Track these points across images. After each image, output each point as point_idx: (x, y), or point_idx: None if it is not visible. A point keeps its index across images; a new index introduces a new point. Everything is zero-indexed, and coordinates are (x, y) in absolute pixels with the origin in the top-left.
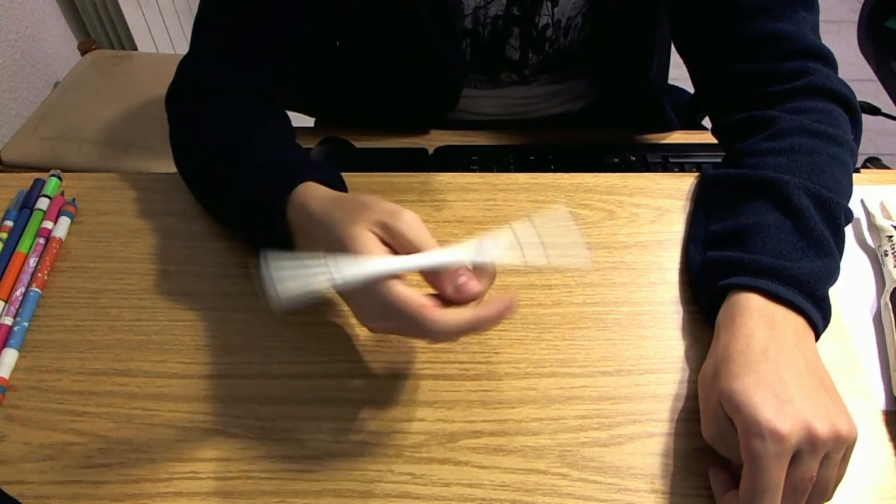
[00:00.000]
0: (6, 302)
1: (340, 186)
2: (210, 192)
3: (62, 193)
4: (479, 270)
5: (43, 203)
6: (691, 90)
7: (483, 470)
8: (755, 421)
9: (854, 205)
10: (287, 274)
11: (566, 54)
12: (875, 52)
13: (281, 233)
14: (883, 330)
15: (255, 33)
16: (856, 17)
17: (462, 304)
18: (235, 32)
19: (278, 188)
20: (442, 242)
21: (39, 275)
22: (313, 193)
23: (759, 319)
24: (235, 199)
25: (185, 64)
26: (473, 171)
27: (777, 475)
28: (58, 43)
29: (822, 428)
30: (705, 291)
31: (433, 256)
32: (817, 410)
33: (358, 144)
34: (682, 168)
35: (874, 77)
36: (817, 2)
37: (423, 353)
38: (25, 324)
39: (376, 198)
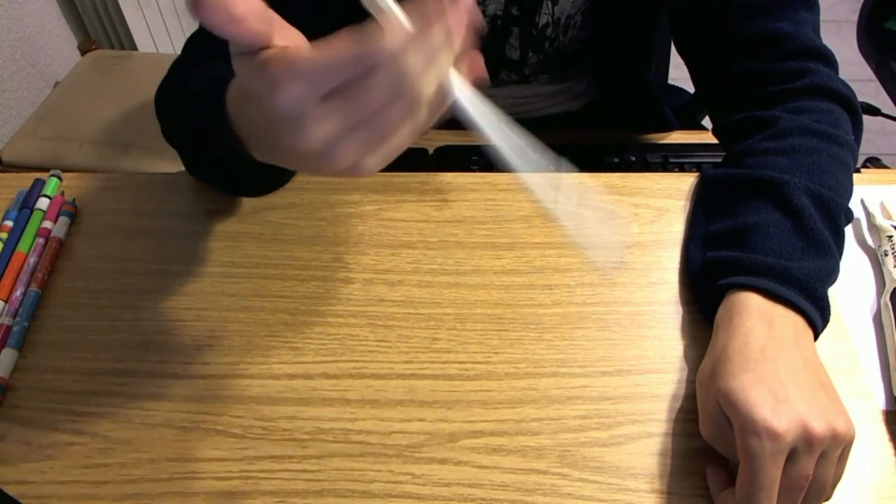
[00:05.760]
0: (6, 302)
1: None
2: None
3: (62, 193)
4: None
5: (43, 203)
6: (691, 90)
7: (483, 470)
8: (751, 419)
9: (854, 205)
10: None
11: (565, 53)
12: (875, 52)
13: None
14: (883, 330)
15: None
16: (856, 17)
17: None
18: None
19: (214, 99)
20: (442, 242)
21: (39, 275)
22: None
23: (758, 318)
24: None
25: (177, 63)
26: (473, 171)
27: (773, 473)
28: (58, 43)
29: (819, 426)
30: (705, 291)
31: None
32: (814, 409)
33: None
34: (682, 168)
35: (874, 77)
36: (818, 2)
37: (423, 354)
38: (25, 324)
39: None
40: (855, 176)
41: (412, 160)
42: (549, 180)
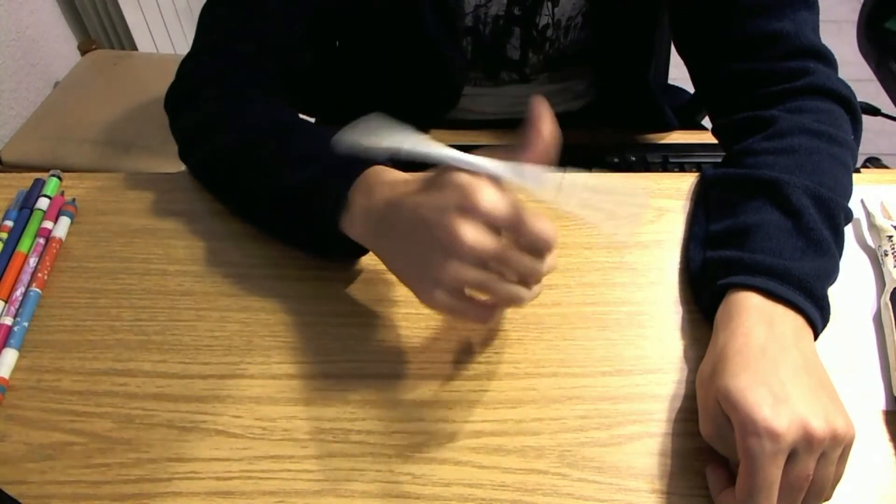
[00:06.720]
0: (6, 302)
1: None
2: (240, 182)
3: (62, 193)
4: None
5: (43, 203)
6: (691, 90)
7: (483, 470)
8: (752, 419)
9: (854, 205)
10: (366, 130)
11: (566, 54)
12: (875, 52)
13: (335, 222)
14: (883, 330)
15: (255, 29)
16: (856, 17)
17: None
18: (236, 29)
19: (343, 171)
20: None
21: (39, 275)
22: (384, 175)
23: (758, 318)
24: (283, 185)
25: (187, 61)
26: None
27: (773, 473)
28: (58, 43)
29: (819, 426)
30: (705, 291)
31: (498, 167)
32: (814, 409)
33: None
34: (682, 168)
35: (874, 77)
36: (818, 2)
37: (423, 354)
38: (25, 324)
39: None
40: (855, 176)
41: (412, 160)
42: (549, 179)
